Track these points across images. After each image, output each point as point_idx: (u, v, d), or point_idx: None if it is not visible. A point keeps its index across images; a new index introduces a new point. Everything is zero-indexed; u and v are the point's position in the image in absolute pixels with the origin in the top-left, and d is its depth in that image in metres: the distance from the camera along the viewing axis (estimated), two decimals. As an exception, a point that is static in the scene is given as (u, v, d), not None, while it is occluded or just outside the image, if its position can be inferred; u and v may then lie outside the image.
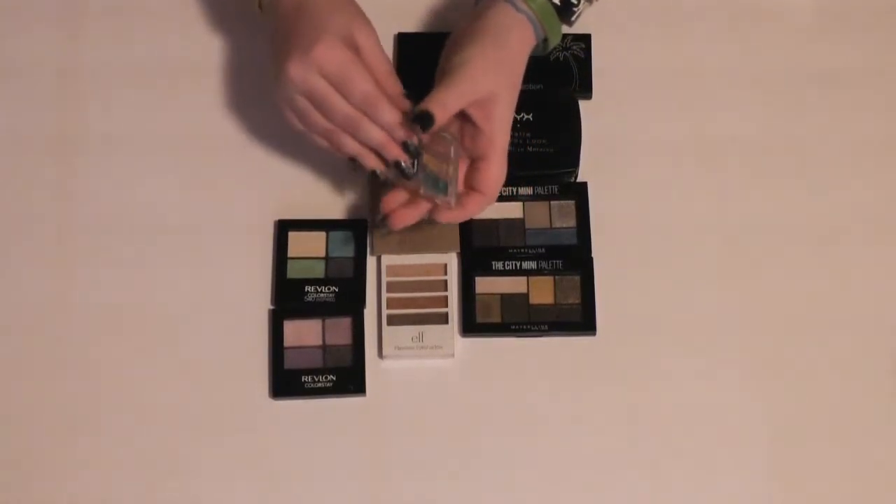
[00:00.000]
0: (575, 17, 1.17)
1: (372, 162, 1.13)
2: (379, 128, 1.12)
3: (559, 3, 1.15)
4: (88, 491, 1.14)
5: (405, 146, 1.12)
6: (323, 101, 1.11)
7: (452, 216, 1.15)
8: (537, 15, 1.14)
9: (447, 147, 1.14)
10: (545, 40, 1.16)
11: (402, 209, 1.15)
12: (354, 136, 1.12)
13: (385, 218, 1.15)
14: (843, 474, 1.15)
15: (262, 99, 1.24)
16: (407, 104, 1.12)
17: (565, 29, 1.17)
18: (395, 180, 1.14)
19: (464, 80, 1.11)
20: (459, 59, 1.12)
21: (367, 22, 1.14)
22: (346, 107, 1.11)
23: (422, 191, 1.14)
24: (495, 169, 1.14)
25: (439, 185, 1.13)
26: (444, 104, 1.11)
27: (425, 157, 1.13)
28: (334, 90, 1.11)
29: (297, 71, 1.11)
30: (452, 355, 1.17)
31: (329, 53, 1.10)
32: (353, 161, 1.14)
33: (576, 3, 1.16)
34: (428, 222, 1.17)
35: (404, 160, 1.12)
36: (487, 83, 1.12)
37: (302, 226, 1.20)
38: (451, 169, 1.14)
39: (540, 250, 1.20)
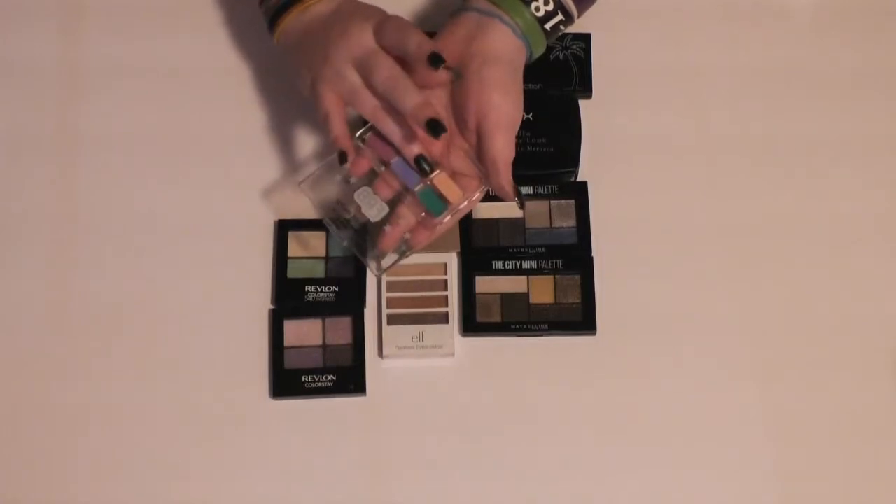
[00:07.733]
0: (556, 36, 1.16)
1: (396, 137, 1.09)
2: (417, 98, 1.08)
3: (549, 30, 1.13)
4: (88, 491, 1.14)
5: (419, 159, 1.10)
6: (378, 64, 1.08)
7: (428, 237, 1.14)
8: (526, 36, 1.13)
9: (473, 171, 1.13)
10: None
11: (390, 230, 1.13)
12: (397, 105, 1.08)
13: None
14: (843, 474, 1.15)
15: (263, 98, 1.24)
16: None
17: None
18: (367, 217, 1.12)
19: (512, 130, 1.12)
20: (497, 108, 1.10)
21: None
22: (397, 69, 1.08)
23: (411, 199, 1.12)
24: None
25: (439, 205, 1.12)
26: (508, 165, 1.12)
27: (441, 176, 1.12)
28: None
29: (362, 35, 1.09)
30: (452, 355, 1.17)
31: (389, 25, 1.10)
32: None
33: (562, 30, 1.15)
34: (401, 251, 1.15)
35: (429, 155, 1.09)
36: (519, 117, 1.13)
37: (302, 226, 1.20)
38: (463, 200, 1.13)
39: (540, 250, 1.20)
